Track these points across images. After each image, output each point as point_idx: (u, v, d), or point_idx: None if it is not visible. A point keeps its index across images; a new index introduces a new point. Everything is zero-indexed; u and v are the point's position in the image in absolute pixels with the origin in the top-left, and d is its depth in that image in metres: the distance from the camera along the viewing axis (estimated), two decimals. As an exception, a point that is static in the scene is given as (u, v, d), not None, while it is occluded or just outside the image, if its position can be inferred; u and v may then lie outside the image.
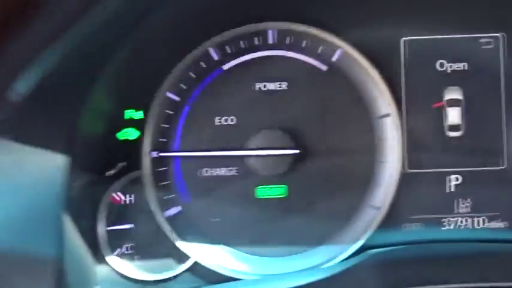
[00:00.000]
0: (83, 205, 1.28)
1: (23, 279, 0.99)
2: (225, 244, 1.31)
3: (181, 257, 1.31)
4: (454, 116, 1.32)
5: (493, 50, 1.33)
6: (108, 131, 1.32)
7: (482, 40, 1.33)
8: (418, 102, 1.33)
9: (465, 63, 1.33)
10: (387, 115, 1.31)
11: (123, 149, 1.32)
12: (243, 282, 1.26)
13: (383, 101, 1.31)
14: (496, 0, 1.32)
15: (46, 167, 1.05)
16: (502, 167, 1.32)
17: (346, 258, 1.28)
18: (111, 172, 1.30)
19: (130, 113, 1.32)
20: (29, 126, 1.00)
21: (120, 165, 1.31)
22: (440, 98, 1.33)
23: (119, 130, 1.33)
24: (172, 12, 1.28)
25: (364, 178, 1.32)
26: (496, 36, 1.32)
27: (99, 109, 1.29)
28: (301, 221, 1.32)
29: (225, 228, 1.32)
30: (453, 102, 1.33)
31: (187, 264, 1.31)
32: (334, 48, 1.31)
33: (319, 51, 1.32)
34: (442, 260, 1.18)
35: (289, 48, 1.32)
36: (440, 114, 1.33)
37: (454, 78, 1.33)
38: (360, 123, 1.32)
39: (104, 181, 1.32)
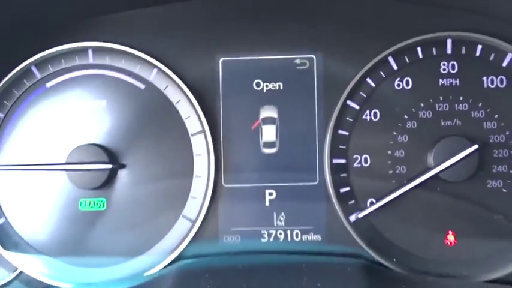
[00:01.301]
0: None
1: None
2: (48, 255, 1.35)
3: (8, 267, 1.35)
4: (268, 133, 1.37)
5: (307, 70, 1.38)
6: None
7: (297, 61, 1.38)
8: (235, 120, 1.38)
9: (280, 83, 1.38)
10: (201, 132, 1.36)
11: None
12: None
13: (196, 119, 1.36)
14: (310, 22, 1.37)
15: None
16: (314, 183, 1.37)
17: (165, 267, 1.32)
18: None
19: (-41, 126, 1.34)
20: None
21: None
22: (257, 117, 1.38)
23: None
24: None
25: (181, 191, 1.36)
26: (311, 58, 1.38)
27: None
28: (121, 232, 1.36)
29: (48, 239, 1.36)
30: (268, 120, 1.37)
31: (14, 273, 1.35)
32: (150, 66, 1.36)
33: (137, 70, 1.36)
34: (255, 270, 1.24)
35: (108, 67, 1.37)
36: (257, 132, 1.37)
37: (269, 97, 1.38)
38: (176, 139, 1.36)
39: None
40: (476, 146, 1.31)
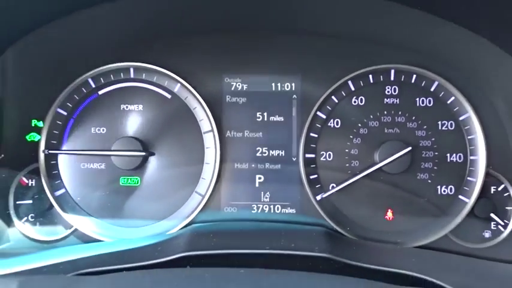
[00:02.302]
0: (2, 182, 1.34)
1: None
2: (95, 217, 1.37)
3: (66, 225, 1.36)
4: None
5: (289, 90, 1.41)
6: (20, 133, 1.38)
7: (283, 83, 1.41)
8: (235, 123, 1.40)
9: (270, 97, 1.41)
10: (210, 131, 1.38)
11: (30, 147, 1.37)
12: (106, 243, 1.30)
13: (207, 121, 1.38)
14: (292, 56, 1.39)
15: None
16: (292, 171, 1.39)
17: (182, 228, 1.34)
18: None
19: (34, 122, 1.38)
20: None
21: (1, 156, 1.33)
22: (253, 120, 1.40)
23: (27, 133, 1.38)
24: (61, 48, 1.33)
25: (194, 174, 1.38)
26: (292, 81, 1.40)
27: (12, 119, 1.35)
28: (150, 202, 1.37)
29: (96, 205, 1.37)
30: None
31: (70, 230, 1.37)
32: (174, 82, 1.38)
33: (165, 84, 1.39)
34: (247, 233, 1.26)
35: (144, 81, 1.39)
36: (251, 132, 1.40)
37: (261, 107, 1.40)
38: (192, 135, 1.38)
39: (13, 168, 1.37)
40: (409, 148, 1.34)
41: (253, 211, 1.39)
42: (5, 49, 1.16)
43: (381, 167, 1.34)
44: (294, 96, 1.40)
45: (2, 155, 1.33)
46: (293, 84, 1.40)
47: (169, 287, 0.73)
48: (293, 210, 1.39)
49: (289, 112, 1.40)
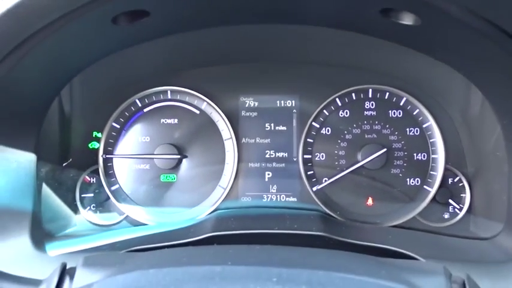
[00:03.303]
0: (67, 182, 1.34)
1: (12, 222, 1.03)
2: (142, 206, 1.37)
3: (120, 212, 1.37)
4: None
5: (290, 106, 1.40)
6: (84, 142, 1.39)
7: (285, 101, 1.40)
8: (249, 132, 1.40)
9: (277, 113, 1.40)
10: (229, 138, 1.38)
11: (92, 153, 1.38)
12: (150, 226, 1.31)
13: (227, 131, 1.37)
14: (293, 78, 1.39)
15: (23, 160, 1.07)
16: (293, 169, 1.38)
17: (208, 214, 1.33)
18: (65, 163, 1.33)
19: (95, 133, 1.39)
20: (8, 137, 1.02)
21: (68, 161, 1.34)
22: (263, 130, 1.40)
23: (90, 142, 1.39)
24: (116, 76, 1.34)
25: (217, 171, 1.37)
26: (293, 99, 1.40)
27: (78, 131, 1.37)
28: (184, 194, 1.37)
29: (143, 196, 1.37)
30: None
31: (123, 216, 1.37)
32: (202, 101, 1.38)
33: (195, 102, 1.39)
34: (259, 217, 1.26)
35: (178, 100, 1.39)
36: (263, 139, 1.40)
37: (269, 119, 1.40)
38: (215, 142, 1.37)
39: (79, 169, 1.37)
40: (385, 149, 1.33)
41: (263, 200, 1.39)
42: (74, 76, 1.15)
43: (362, 164, 1.33)
44: (294, 110, 1.39)
45: (70, 159, 1.34)
46: (293, 102, 1.40)
47: (200, 260, 0.73)
48: (295, 199, 1.38)
49: (290, 123, 1.39)
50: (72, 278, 0.75)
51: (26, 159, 1.08)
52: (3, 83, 0.88)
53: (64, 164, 1.32)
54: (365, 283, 0.56)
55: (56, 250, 1.09)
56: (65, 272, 0.77)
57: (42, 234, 1.12)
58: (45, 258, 1.04)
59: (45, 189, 1.21)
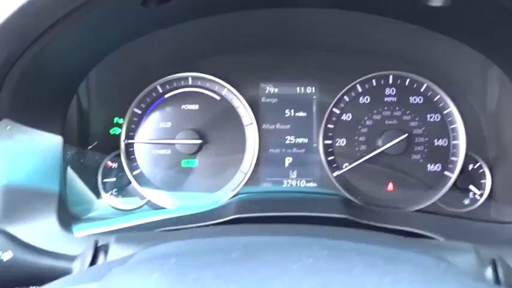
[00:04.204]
0: (89, 167, 1.35)
1: (40, 203, 1.05)
2: (164, 190, 1.38)
3: (141, 197, 1.38)
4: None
5: (310, 92, 1.41)
6: (106, 128, 1.40)
7: (306, 87, 1.41)
8: (270, 118, 1.39)
9: (297, 98, 1.40)
10: (250, 124, 1.39)
11: (113, 138, 1.39)
12: (174, 209, 1.32)
13: (248, 116, 1.38)
14: (313, 64, 1.38)
15: (49, 142, 1.09)
16: (314, 154, 1.39)
17: (229, 199, 1.33)
18: (90, 146, 1.35)
19: (116, 119, 1.40)
20: (37, 118, 1.04)
21: (94, 144, 1.36)
22: (283, 117, 1.40)
23: (111, 128, 1.40)
24: (136, 63, 1.34)
25: (238, 157, 1.38)
26: (313, 85, 1.40)
27: (99, 117, 1.38)
28: (205, 179, 1.38)
29: (164, 181, 1.38)
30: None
31: (145, 201, 1.38)
32: (223, 87, 1.39)
33: (216, 89, 1.39)
34: (280, 201, 1.25)
35: (199, 87, 1.39)
36: (283, 125, 1.40)
37: (289, 105, 1.40)
38: (236, 128, 1.38)
39: (100, 154, 1.39)
40: (405, 135, 1.33)
41: (284, 185, 1.39)
42: (101, 59, 1.16)
43: (383, 150, 1.33)
44: (314, 97, 1.39)
45: (96, 142, 1.36)
46: (313, 88, 1.40)
47: (240, 232, 0.74)
48: (315, 185, 1.38)
49: (310, 109, 1.40)
50: (106, 253, 0.77)
51: (53, 141, 1.10)
52: (35, 62, 0.89)
53: (89, 147, 1.34)
54: (400, 255, 0.56)
55: (82, 231, 1.10)
56: (99, 248, 0.78)
57: (68, 216, 1.14)
58: (72, 239, 1.07)
59: (70, 172, 1.23)
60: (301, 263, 0.44)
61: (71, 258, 0.80)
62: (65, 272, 0.76)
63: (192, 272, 0.42)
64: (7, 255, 0.70)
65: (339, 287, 0.40)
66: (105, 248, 0.80)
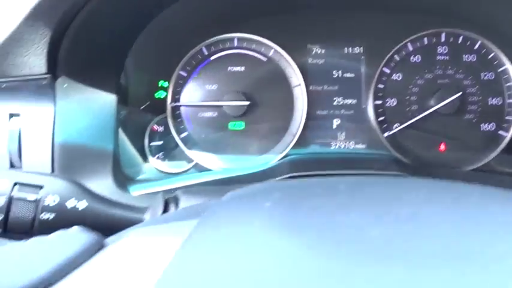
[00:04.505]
0: (137, 130, 1.35)
1: (96, 163, 1.07)
2: (211, 153, 1.38)
3: (189, 160, 1.38)
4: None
5: (359, 52, 1.39)
6: (150, 92, 1.39)
7: (354, 47, 1.39)
8: (316, 79, 1.38)
9: (345, 59, 1.39)
10: (298, 85, 1.37)
11: (158, 102, 1.39)
12: (225, 170, 1.32)
13: (296, 77, 1.37)
14: (361, 24, 1.36)
15: (104, 101, 1.10)
16: (364, 115, 1.37)
17: (279, 160, 1.33)
18: (143, 106, 1.36)
19: (161, 83, 1.39)
20: (92, 77, 1.05)
21: (146, 104, 1.37)
22: (331, 78, 1.39)
23: (156, 92, 1.40)
24: (181, 25, 1.33)
25: (286, 119, 1.37)
26: (362, 45, 1.37)
27: (144, 81, 1.37)
28: (252, 142, 1.37)
29: (211, 144, 1.38)
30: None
31: (192, 164, 1.38)
32: (269, 48, 1.37)
33: (262, 50, 1.38)
34: (328, 160, 1.27)
35: (245, 48, 1.38)
36: (330, 86, 1.39)
37: (337, 66, 1.38)
38: (284, 88, 1.37)
39: (146, 118, 1.39)
40: (459, 93, 1.30)
41: (332, 147, 1.38)
42: (154, 17, 1.15)
43: (436, 109, 1.31)
44: (362, 57, 1.37)
45: (148, 102, 1.36)
46: (361, 48, 1.37)
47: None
48: (363, 146, 1.37)
49: (359, 69, 1.37)
50: (177, 204, 0.76)
51: (107, 100, 1.10)
52: (92, 20, 0.89)
53: (142, 107, 1.34)
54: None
55: (137, 191, 1.10)
56: (168, 200, 0.78)
57: (122, 176, 1.15)
58: (130, 197, 1.07)
59: (121, 134, 1.24)
60: (418, 195, 0.42)
61: (142, 210, 0.79)
62: (137, 222, 0.75)
63: (307, 200, 0.41)
64: (82, 204, 0.69)
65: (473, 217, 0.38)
66: (175, 200, 0.79)
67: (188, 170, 1.40)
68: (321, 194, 0.44)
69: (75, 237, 0.46)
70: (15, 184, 0.69)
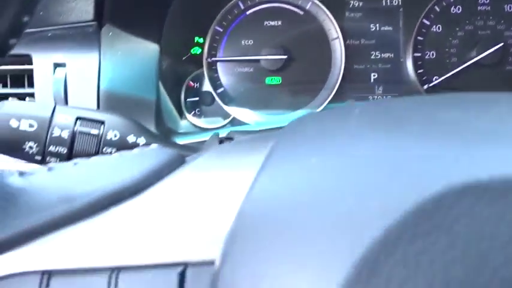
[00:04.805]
0: (174, 85, 1.36)
1: (140, 112, 1.08)
2: (248, 108, 1.39)
3: (225, 115, 1.40)
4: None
5: (397, 4, 1.36)
6: (186, 48, 1.39)
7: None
8: (353, 33, 1.37)
9: (383, 14, 1.37)
10: (336, 38, 1.36)
11: (194, 58, 1.40)
12: (264, 123, 1.33)
13: (334, 30, 1.36)
14: None
15: (147, 51, 1.11)
16: (402, 68, 1.36)
17: None
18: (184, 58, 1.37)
19: (197, 38, 1.40)
20: (136, 26, 1.06)
21: (187, 55, 1.37)
22: (369, 30, 1.37)
23: (192, 48, 1.40)
24: None
25: (324, 73, 1.37)
26: None
27: (180, 36, 1.36)
28: (289, 97, 1.38)
29: (248, 99, 1.39)
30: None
31: (229, 119, 1.39)
32: (306, 1, 1.36)
33: (299, 3, 1.37)
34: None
35: (282, 1, 1.37)
36: (368, 39, 1.37)
37: (375, 20, 1.37)
38: (322, 42, 1.36)
39: (182, 74, 1.40)
40: (501, 44, 1.28)
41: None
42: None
43: (476, 60, 1.29)
44: (401, 9, 1.35)
45: (189, 54, 1.37)
46: (399, 0, 1.36)
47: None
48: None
49: (397, 23, 1.35)
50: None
51: (150, 51, 1.11)
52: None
53: (183, 58, 1.35)
54: None
55: (181, 141, 1.10)
56: (222, 139, 0.78)
57: (164, 128, 1.15)
58: (175, 146, 1.06)
59: (161, 86, 1.24)
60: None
61: (197, 150, 0.80)
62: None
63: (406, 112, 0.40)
64: (141, 141, 0.70)
65: None
66: (230, 139, 0.79)
67: (225, 126, 1.40)
68: (408, 106, 0.44)
69: (157, 153, 0.46)
70: (77, 119, 0.69)
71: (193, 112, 1.42)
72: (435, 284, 0.26)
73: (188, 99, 1.42)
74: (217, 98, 1.39)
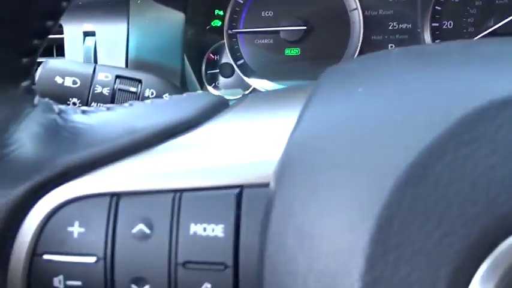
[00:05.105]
0: (196, 56, 1.39)
1: (167, 75, 1.07)
2: (266, 79, 1.41)
3: (246, 86, 1.43)
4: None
5: None
6: (207, 20, 1.43)
7: None
8: (371, 4, 1.38)
9: None
10: (355, 9, 1.38)
11: (215, 30, 1.43)
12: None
13: (353, 1, 1.37)
14: None
15: (173, 19, 1.14)
16: (420, 36, 1.37)
17: None
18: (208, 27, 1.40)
19: (217, 11, 1.42)
20: None
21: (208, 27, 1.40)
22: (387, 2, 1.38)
23: (212, 20, 1.43)
24: None
25: (342, 43, 1.38)
26: None
27: (204, 5, 1.40)
28: (308, 67, 1.40)
29: (268, 69, 1.41)
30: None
31: (249, 90, 1.42)
32: None
33: None
34: None
35: None
36: (386, 10, 1.38)
37: None
38: (340, 13, 1.38)
39: (203, 47, 1.43)
40: None
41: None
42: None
43: (495, 29, 1.30)
44: None
45: (209, 26, 1.40)
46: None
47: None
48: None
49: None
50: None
51: (176, 19, 1.13)
52: None
53: (207, 28, 1.38)
54: None
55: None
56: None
57: (189, 95, 1.17)
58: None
59: (186, 55, 1.27)
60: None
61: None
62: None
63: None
64: (166, 95, 0.74)
65: None
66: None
67: (246, 95, 1.41)
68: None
69: (203, 97, 0.50)
70: (116, 77, 0.72)
71: (213, 84, 1.45)
72: (478, 185, 0.29)
73: (209, 72, 1.45)
74: (237, 70, 1.42)
